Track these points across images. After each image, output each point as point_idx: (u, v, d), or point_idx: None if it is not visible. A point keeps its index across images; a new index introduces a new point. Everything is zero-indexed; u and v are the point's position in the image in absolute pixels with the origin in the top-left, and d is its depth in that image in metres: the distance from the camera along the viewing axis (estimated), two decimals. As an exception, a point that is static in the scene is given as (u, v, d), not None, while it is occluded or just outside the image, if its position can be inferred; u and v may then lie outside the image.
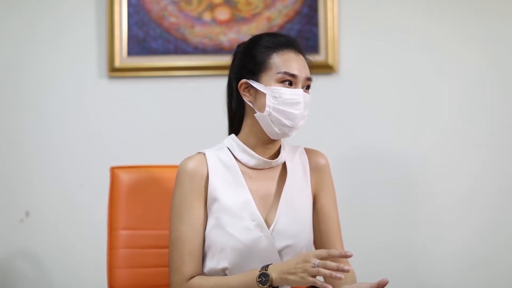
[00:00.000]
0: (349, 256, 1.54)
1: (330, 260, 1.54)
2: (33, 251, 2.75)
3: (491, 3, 2.78)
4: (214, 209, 1.71)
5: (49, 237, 2.74)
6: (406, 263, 2.75)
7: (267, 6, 2.75)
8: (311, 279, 1.53)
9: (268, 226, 1.70)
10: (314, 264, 1.53)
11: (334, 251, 1.54)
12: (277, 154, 1.78)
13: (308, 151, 1.85)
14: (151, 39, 2.73)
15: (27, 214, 2.75)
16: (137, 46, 2.73)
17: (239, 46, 1.83)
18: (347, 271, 1.51)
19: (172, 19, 2.74)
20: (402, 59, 2.78)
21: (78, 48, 2.77)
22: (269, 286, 1.57)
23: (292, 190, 1.76)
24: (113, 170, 2.04)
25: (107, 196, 2.72)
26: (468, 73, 2.77)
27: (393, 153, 2.76)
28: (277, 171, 1.79)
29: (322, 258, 1.54)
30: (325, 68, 2.72)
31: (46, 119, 2.77)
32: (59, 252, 2.74)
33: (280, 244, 1.69)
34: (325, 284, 1.51)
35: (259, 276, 1.58)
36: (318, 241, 1.81)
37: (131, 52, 2.73)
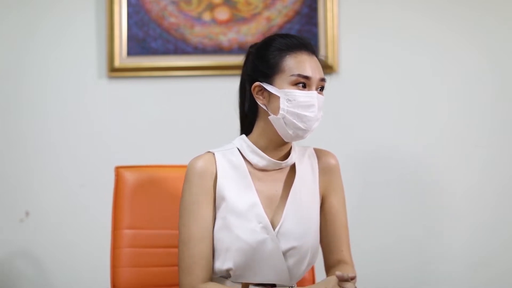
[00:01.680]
0: None
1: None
2: (33, 251, 2.75)
3: (491, 3, 2.78)
4: (222, 209, 1.71)
5: (49, 237, 2.74)
6: (406, 264, 2.74)
7: (267, 6, 2.75)
8: None
9: (274, 228, 1.70)
10: None
11: None
12: (287, 155, 1.77)
13: (317, 152, 1.84)
14: (151, 39, 2.73)
15: (27, 214, 2.75)
16: (137, 46, 2.73)
17: (251, 47, 1.81)
18: None
19: (172, 19, 2.74)
20: (402, 59, 2.78)
21: (78, 48, 2.77)
22: None
23: (300, 191, 1.76)
24: (118, 169, 2.05)
25: (107, 196, 2.72)
26: (468, 73, 2.77)
27: (393, 153, 2.76)
28: (286, 173, 1.79)
29: None
30: (325, 68, 2.67)
31: (46, 119, 2.77)
32: (59, 252, 2.74)
33: (285, 245, 1.70)
34: None
35: None
36: (325, 241, 1.81)
37: (131, 52, 2.73)
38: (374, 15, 2.78)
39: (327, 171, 1.82)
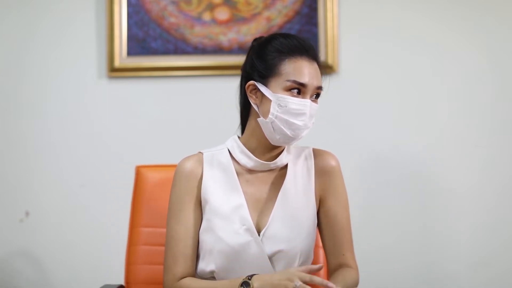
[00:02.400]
0: None
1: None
2: (33, 251, 2.75)
3: (491, 3, 2.78)
4: (206, 211, 1.70)
5: (49, 237, 2.75)
6: (406, 264, 2.74)
7: (267, 6, 2.75)
8: None
9: (260, 230, 1.68)
10: (296, 285, 1.50)
11: (316, 279, 1.51)
12: (278, 156, 1.74)
13: (316, 153, 1.79)
14: (151, 39, 2.73)
15: (27, 214, 2.75)
16: (137, 46, 2.73)
17: (255, 40, 1.76)
18: None
19: (172, 19, 2.74)
20: (402, 59, 2.77)
21: (78, 48, 2.77)
22: None
23: (290, 194, 1.72)
24: (138, 168, 2.06)
25: (107, 196, 2.74)
26: (468, 73, 2.77)
27: (393, 153, 2.76)
28: (277, 175, 1.75)
29: (304, 282, 1.51)
30: (325, 68, 2.67)
31: (46, 119, 2.77)
32: (59, 252, 2.75)
33: (270, 249, 1.66)
34: None
35: (241, 284, 1.56)
36: (326, 245, 1.77)
37: (131, 52, 2.73)
38: (374, 15, 2.78)
39: (325, 173, 1.77)
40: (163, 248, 1.99)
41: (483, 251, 2.75)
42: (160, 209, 2.02)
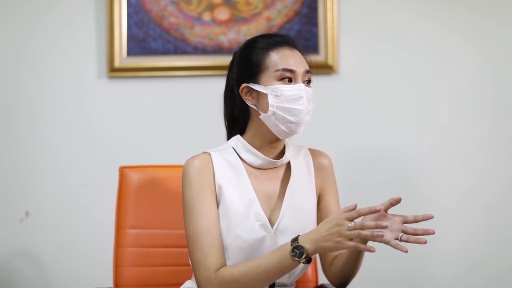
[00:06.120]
0: (378, 211, 1.55)
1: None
2: (33, 251, 2.75)
3: (491, 3, 2.78)
4: (220, 207, 1.72)
5: (49, 237, 2.74)
6: (406, 263, 2.74)
7: (267, 6, 2.75)
8: (349, 243, 1.52)
9: (272, 225, 1.71)
10: (350, 226, 1.52)
11: (363, 209, 1.53)
12: (281, 154, 1.79)
13: (312, 152, 1.85)
14: (151, 39, 2.73)
15: (27, 214, 2.75)
16: (136, 46, 2.73)
17: (235, 53, 1.83)
18: (385, 227, 1.51)
19: (172, 19, 2.74)
20: (402, 59, 2.78)
21: (78, 48, 2.77)
22: (305, 258, 1.56)
23: (296, 189, 1.77)
24: (122, 169, 2.06)
25: (107, 196, 2.74)
26: (468, 74, 2.78)
27: (393, 154, 2.77)
28: (282, 171, 1.79)
29: (353, 218, 1.53)
30: (325, 68, 2.72)
31: (46, 119, 2.77)
32: (59, 252, 2.74)
33: (283, 242, 1.68)
34: (369, 247, 1.53)
35: (293, 250, 1.57)
36: None
37: (130, 52, 2.73)
38: (374, 15, 2.78)
39: (322, 170, 1.83)
40: (151, 249, 2.00)
41: (483, 251, 2.76)
42: (147, 210, 2.03)
